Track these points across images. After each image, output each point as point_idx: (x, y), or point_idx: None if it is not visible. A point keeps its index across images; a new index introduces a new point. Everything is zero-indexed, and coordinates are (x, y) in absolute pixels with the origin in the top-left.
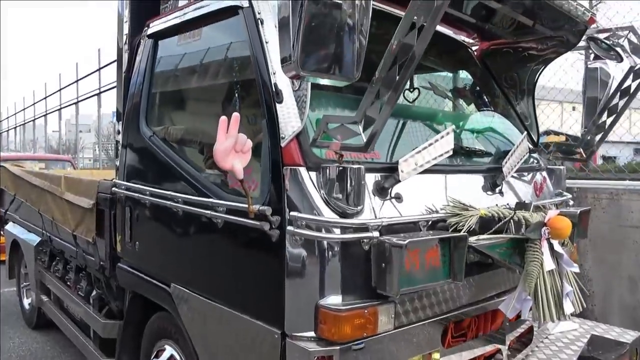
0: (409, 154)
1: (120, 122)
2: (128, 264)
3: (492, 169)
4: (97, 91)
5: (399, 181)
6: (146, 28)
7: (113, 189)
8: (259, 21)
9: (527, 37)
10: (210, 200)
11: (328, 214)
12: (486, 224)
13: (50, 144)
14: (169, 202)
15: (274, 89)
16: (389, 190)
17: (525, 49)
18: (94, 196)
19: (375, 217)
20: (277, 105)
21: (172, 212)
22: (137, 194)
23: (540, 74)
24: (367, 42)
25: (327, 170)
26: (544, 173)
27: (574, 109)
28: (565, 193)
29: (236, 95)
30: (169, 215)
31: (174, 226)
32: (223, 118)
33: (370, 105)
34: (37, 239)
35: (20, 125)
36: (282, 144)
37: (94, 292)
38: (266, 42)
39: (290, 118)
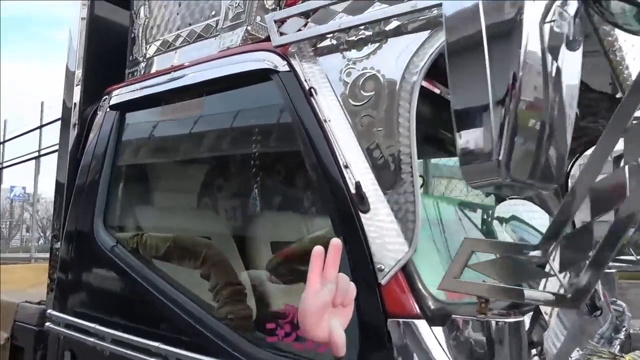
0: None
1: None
2: None
3: None
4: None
5: (546, 329)
6: (106, 97)
7: (47, 324)
8: (311, 91)
9: None
10: None
11: None
12: None
13: None
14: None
15: (353, 191)
16: (541, 347)
17: None
18: (9, 327)
19: None
20: (362, 215)
21: None
22: (88, 338)
23: (572, 164)
24: None
25: (463, 325)
26: None
27: None
28: (619, 302)
29: (256, 193)
30: None
31: None
32: (318, 249)
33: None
34: None
35: None
36: (382, 281)
37: None
38: (326, 121)
39: (389, 237)
